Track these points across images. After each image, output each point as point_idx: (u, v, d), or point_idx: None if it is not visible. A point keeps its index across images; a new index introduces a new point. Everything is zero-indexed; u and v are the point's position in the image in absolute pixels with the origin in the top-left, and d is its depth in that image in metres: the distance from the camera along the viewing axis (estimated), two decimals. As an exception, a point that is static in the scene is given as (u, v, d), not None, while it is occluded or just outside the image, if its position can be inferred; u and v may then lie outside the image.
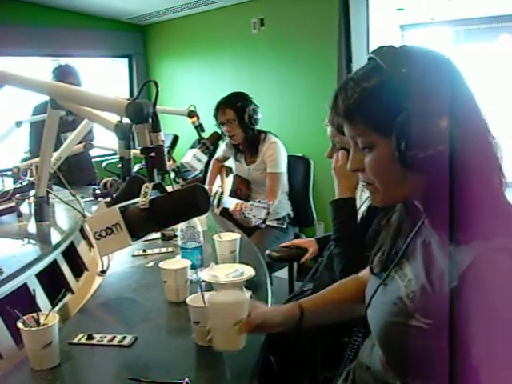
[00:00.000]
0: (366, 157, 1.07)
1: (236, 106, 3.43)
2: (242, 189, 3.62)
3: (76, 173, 3.82)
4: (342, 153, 1.93)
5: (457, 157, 0.95)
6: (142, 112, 1.37)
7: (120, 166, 2.12)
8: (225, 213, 3.20)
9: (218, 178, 3.86)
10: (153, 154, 1.39)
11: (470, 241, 0.95)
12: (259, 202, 2.65)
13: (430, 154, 0.96)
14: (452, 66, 1.03)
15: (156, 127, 1.39)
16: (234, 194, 3.58)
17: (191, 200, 1.33)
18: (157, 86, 1.38)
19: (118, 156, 2.13)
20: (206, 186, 3.69)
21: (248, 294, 1.42)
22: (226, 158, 3.84)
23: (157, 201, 1.35)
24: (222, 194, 3.27)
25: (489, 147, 1.02)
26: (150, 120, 1.38)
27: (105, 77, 6.06)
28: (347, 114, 1.06)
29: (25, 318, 1.34)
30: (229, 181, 3.74)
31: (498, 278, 0.91)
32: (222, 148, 3.77)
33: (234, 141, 3.53)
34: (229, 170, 3.84)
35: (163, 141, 1.41)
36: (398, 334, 1.07)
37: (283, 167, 3.53)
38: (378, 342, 1.17)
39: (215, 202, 3.41)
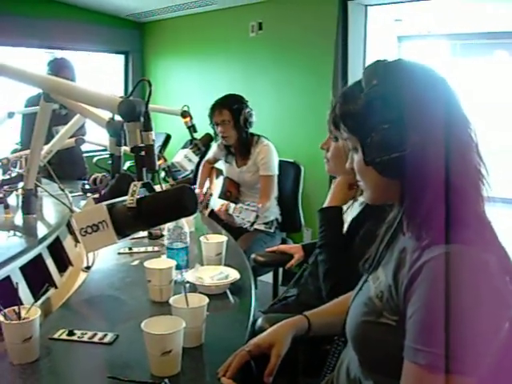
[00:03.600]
0: (354, 158, 1.18)
1: (232, 108, 3.44)
2: (232, 191, 3.63)
3: (66, 167, 3.80)
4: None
5: (423, 164, 1.02)
6: (134, 110, 1.37)
7: (110, 162, 2.12)
8: (213, 214, 3.20)
9: (208, 179, 3.86)
10: (143, 153, 1.38)
11: (432, 245, 1.00)
12: (249, 204, 2.65)
13: (391, 159, 1.05)
14: (431, 77, 1.10)
15: (147, 126, 1.39)
16: (223, 195, 3.58)
17: (179, 201, 1.32)
18: (150, 85, 1.38)
19: (108, 152, 2.12)
20: (197, 190, 3.70)
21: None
22: (216, 160, 3.85)
23: (144, 200, 1.34)
24: (211, 195, 3.27)
25: (464, 155, 1.05)
26: (142, 119, 1.38)
27: (100, 72, 6.04)
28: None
29: (6, 311, 1.33)
30: (218, 183, 3.75)
31: (433, 281, 0.96)
32: (214, 149, 3.77)
33: (227, 142, 3.53)
34: (219, 172, 3.84)
35: (154, 140, 1.40)
36: (370, 332, 1.14)
37: (276, 170, 3.54)
38: (351, 343, 1.21)
39: (204, 204, 3.42)
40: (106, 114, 2.02)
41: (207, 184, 3.82)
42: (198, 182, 3.84)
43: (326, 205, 2.00)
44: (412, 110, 1.04)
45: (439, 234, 0.99)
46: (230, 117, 3.44)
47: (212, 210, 3.35)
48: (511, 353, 1.00)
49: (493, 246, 1.03)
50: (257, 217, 2.61)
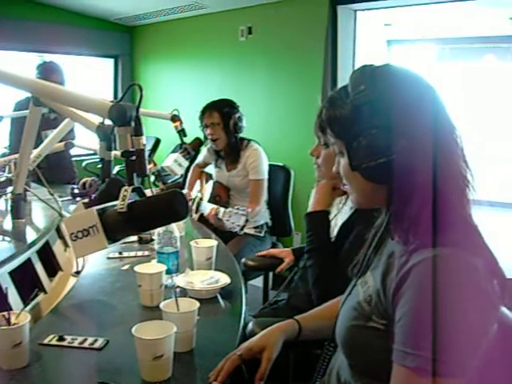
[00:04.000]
0: (340, 162, 1.19)
1: (223, 111, 3.46)
2: (222, 195, 3.63)
3: (55, 171, 3.78)
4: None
5: (409, 169, 1.03)
6: (125, 115, 1.37)
7: (100, 166, 2.11)
8: (203, 219, 3.20)
9: (198, 183, 3.85)
10: (133, 158, 1.38)
11: (419, 249, 1.01)
12: (238, 208, 2.66)
13: (378, 164, 1.06)
14: (418, 82, 1.12)
15: (138, 131, 1.39)
16: (213, 200, 3.58)
17: (170, 206, 1.32)
18: (141, 89, 1.38)
19: (98, 157, 2.12)
20: (185, 191, 3.70)
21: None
22: (206, 164, 3.84)
23: (135, 205, 1.34)
24: (200, 199, 3.27)
25: (450, 160, 1.06)
26: (133, 123, 1.38)
27: (90, 76, 6.02)
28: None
29: (-5, 316, 1.32)
30: (208, 187, 3.74)
31: (421, 284, 0.97)
32: (203, 154, 3.77)
33: (217, 146, 3.54)
34: (208, 176, 3.84)
35: (144, 145, 1.40)
36: (359, 336, 1.14)
37: (265, 174, 3.55)
38: (341, 347, 1.22)
39: (194, 208, 3.42)
40: (95, 119, 2.01)
41: (197, 188, 3.82)
42: (186, 185, 3.84)
43: (310, 209, 2.01)
44: (399, 115, 1.04)
45: (426, 237, 1.00)
46: (220, 119, 3.45)
47: (202, 215, 3.35)
48: (499, 355, 1.01)
49: (480, 248, 1.04)
50: (246, 221, 2.62)
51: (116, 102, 1.38)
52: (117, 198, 1.36)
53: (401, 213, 1.07)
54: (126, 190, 1.34)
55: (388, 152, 1.04)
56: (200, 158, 3.82)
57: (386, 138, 1.04)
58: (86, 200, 2.04)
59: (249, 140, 3.59)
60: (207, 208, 3.11)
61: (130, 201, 1.34)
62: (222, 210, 2.82)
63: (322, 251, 1.91)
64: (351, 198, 1.23)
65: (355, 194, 1.19)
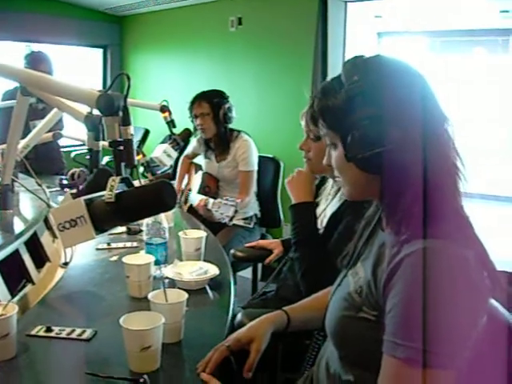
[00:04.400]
0: (332, 154, 1.17)
1: (212, 101, 3.45)
2: (211, 186, 3.62)
3: (44, 162, 3.76)
4: (296, 170, 2.07)
5: (402, 159, 1.03)
6: (112, 105, 1.36)
7: (88, 157, 2.10)
8: (192, 210, 3.20)
9: (187, 174, 3.85)
10: (121, 148, 1.37)
11: (411, 240, 1.01)
12: (227, 199, 2.65)
13: (373, 155, 1.05)
14: (410, 73, 1.11)
15: (126, 121, 1.38)
16: (202, 191, 3.57)
17: (157, 196, 1.32)
18: (129, 79, 1.37)
19: (86, 147, 2.11)
20: (175, 185, 3.69)
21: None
22: (195, 155, 3.84)
23: (123, 195, 1.33)
24: (189, 190, 3.26)
25: (442, 151, 1.06)
26: (121, 113, 1.37)
27: (78, 66, 5.98)
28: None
29: (-18, 307, 1.31)
30: (197, 178, 3.73)
31: (411, 276, 0.97)
32: (193, 144, 3.76)
33: (205, 135, 3.52)
34: (198, 167, 3.83)
35: (132, 135, 1.39)
36: (349, 327, 1.14)
37: (255, 165, 3.55)
38: (331, 338, 1.22)
39: (183, 199, 3.42)
40: (83, 108, 2.00)
41: (186, 179, 3.81)
42: (176, 178, 3.83)
43: (294, 200, 2.01)
44: (392, 105, 1.04)
45: (418, 229, 1.00)
46: (209, 110, 3.44)
47: (191, 206, 3.35)
48: (487, 347, 1.01)
49: (471, 240, 1.04)
50: (235, 212, 2.62)
51: (104, 92, 1.37)
52: (105, 189, 1.35)
53: (394, 204, 1.07)
54: (113, 180, 1.34)
55: (382, 142, 1.04)
56: (189, 149, 3.81)
57: (381, 129, 1.04)
58: (74, 191, 2.03)
59: (239, 131, 3.58)
60: (196, 199, 3.11)
61: (117, 191, 1.33)
62: (211, 200, 2.82)
63: (309, 243, 1.91)
64: (343, 191, 1.22)
65: (348, 186, 1.18)
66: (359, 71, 1.08)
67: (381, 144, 1.04)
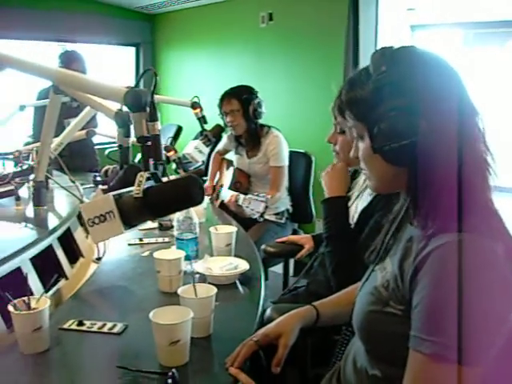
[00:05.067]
0: (359, 146, 1.16)
1: (242, 98, 3.44)
2: (242, 182, 3.63)
3: (77, 159, 3.82)
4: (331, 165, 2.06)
5: (431, 151, 1.01)
6: (139, 101, 1.37)
7: (119, 153, 2.12)
8: (224, 206, 3.21)
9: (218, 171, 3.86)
10: (149, 143, 1.38)
11: (438, 234, 0.99)
12: (258, 195, 2.65)
13: (400, 147, 1.03)
14: (440, 64, 1.09)
15: (153, 116, 1.38)
16: (233, 187, 3.58)
17: (185, 191, 1.32)
18: (156, 75, 1.38)
19: (117, 144, 2.13)
20: (208, 181, 3.71)
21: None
22: (227, 151, 3.85)
23: (151, 190, 1.34)
24: (221, 186, 3.27)
25: (471, 145, 1.04)
26: (148, 109, 1.38)
27: (112, 65, 6.05)
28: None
29: (16, 301, 1.34)
30: (229, 174, 3.74)
31: (439, 270, 0.95)
32: (224, 141, 3.76)
33: (236, 131, 3.52)
34: (229, 163, 3.84)
35: (159, 130, 1.40)
36: (376, 321, 1.13)
37: (286, 160, 3.53)
38: (358, 332, 1.21)
39: (214, 195, 3.43)
40: (114, 106, 2.02)
41: (218, 175, 3.82)
42: (208, 175, 3.85)
43: (327, 195, 2.00)
44: (422, 96, 1.02)
45: (446, 222, 0.99)
46: (239, 106, 3.43)
47: (223, 201, 3.36)
48: None
49: (500, 234, 1.02)
50: (266, 207, 2.61)
51: (131, 88, 1.38)
52: (134, 185, 1.36)
53: (421, 197, 1.05)
54: (141, 176, 1.34)
55: (410, 134, 1.02)
56: (220, 145, 3.82)
57: (408, 120, 1.02)
58: (105, 187, 2.05)
59: (269, 127, 3.57)
60: (227, 195, 3.11)
61: (145, 186, 1.34)
62: (241, 196, 2.82)
63: (341, 237, 1.90)
64: (369, 184, 1.21)
65: (374, 178, 1.17)
66: (387, 62, 1.07)
67: (408, 136, 1.02)
